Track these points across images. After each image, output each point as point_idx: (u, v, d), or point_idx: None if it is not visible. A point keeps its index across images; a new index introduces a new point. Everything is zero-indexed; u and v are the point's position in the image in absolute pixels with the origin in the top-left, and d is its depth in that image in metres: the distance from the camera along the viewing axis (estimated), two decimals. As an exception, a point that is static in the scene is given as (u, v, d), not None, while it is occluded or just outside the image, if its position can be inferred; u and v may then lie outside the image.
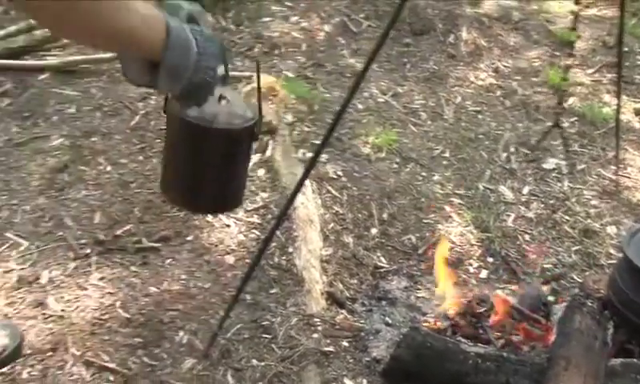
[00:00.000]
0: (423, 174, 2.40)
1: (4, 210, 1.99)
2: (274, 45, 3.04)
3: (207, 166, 1.08)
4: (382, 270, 2.00)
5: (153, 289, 1.83)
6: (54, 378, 1.58)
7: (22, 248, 1.88)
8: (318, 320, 1.81)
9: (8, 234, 1.91)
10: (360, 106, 2.65)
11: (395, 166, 2.43)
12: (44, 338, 1.68)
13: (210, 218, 2.09)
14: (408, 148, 2.51)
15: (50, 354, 1.63)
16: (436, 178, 2.38)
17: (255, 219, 2.10)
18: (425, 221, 2.20)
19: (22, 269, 1.76)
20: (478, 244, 2.12)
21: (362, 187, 2.29)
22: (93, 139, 2.34)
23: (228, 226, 2.06)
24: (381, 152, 2.47)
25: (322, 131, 2.48)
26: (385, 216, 2.19)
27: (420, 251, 2.09)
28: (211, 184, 1.11)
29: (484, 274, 2.02)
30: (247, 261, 1.95)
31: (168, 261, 1.92)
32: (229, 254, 1.98)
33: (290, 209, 1.57)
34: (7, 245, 1.89)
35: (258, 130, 1.12)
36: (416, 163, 2.44)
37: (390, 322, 1.84)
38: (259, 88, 1.13)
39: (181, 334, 1.72)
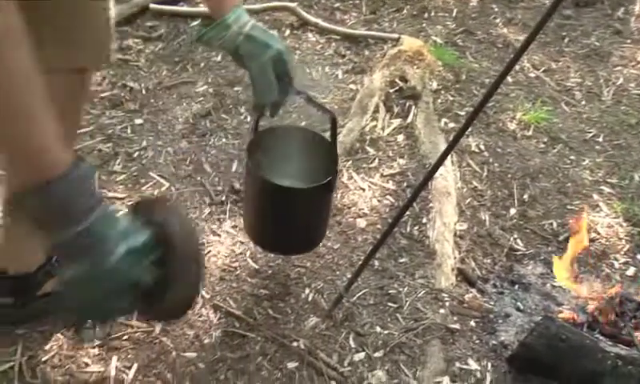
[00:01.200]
0: (572, 157, 2.24)
1: (150, 149, 2.07)
2: (423, 8, 2.94)
3: (277, 216, 1.34)
4: (517, 253, 1.90)
5: (283, 242, 1.83)
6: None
7: (163, 188, 1.94)
8: (446, 295, 1.75)
9: (152, 174, 1.98)
10: (509, 79, 2.50)
11: (542, 145, 2.28)
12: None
13: (345, 179, 2.05)
14: (558, 128, 2.35)
15: None
16: (586, 162, 2.22)
17: (390, 185, 2.06)
18: (569, 207, 2.06)
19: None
20: (627, 239, 1.97)
21: (504, 164, 2.17)
22: (235, 89, 2.38)
23: (363, 189, 2.03)
24: (528, 130, 2.32)
25: (466, 102, 2.38)
26: (525, 197, 2.07)
27: (561, 238, 1.95)
28: (281, 230, 1.41)
29: (631, 271, 1.87)
30: (378, 226, 1.92)
31: (299, 216, 1.91)
32: (360, 217, 1.95)
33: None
34: (151, 183, 1.96)
35: (333, 185, 1.35)
36: (565, 145, 2.27)
37: (521, 307, 1.74)
38: (334, 140, 1.38)
39: (306, 291, 1.70)
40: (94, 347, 1.55)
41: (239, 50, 1.12)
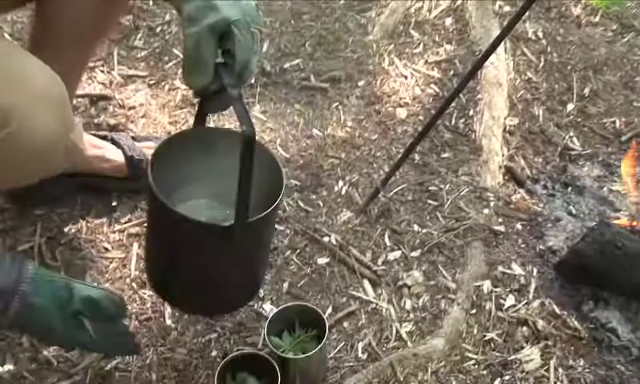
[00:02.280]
0: (643, 48, 2.04)
1: (173, 24, 1.98)
2: None
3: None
4: (572, 153, 1.77)
5: (316, 131, 1.76)
6: None
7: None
8: (491, 195, 1.66)
9: (175, 51, 1.89)
10: (575, -42, 2.26)
11: (610, 34, 2.08)
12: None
13: (386, 65, 1.90)
14: (630, 14, 2.14)
15: None
16: (658, 54, 2.02)
17: (435, 73, 1.91)
18: (636, 103, 1.89)
19: (186, 89, 1.71)
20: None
21: (564, 54, 2.00)
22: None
23: (405, 76, 1.90)
24: (594, 15, 2.12)
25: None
26: (586, 91, 1.91)
27: (623, 138, 1.80)
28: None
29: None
30: (420, 118, 1.81)
31: (335, 104, 1.82)
32: (401, 106, 1.83)
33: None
34: (174, 61, 1.86)
35: (270, 221, 0.99)
36: (637, 34, 2.06)
37: (573, 211, 1.63)
38: (245, 167, 0.82)
39: (340, 184, 1.67)
40: (114, 232, 1.53)
41: (182, 9, 0.84)
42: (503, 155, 1.76)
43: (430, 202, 1.65)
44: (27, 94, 0.83)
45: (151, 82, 1.85)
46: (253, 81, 1.87)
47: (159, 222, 0.94)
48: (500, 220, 1.63)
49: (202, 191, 1.03)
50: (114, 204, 1.56)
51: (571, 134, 1.85)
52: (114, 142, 1.40)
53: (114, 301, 0.90)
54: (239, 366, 1.18)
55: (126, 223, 1.55)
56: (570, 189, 1.73)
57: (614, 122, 1.89)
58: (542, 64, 2.00)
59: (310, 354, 1.25)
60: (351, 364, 1.37)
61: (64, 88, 0.90)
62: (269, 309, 1.40)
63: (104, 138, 1.53)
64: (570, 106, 1.91)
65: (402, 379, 1.32)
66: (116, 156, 1.39)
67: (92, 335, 0.89)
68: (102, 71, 1.84)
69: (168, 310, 1.39)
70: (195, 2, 0.82)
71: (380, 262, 1.53)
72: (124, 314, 0.89)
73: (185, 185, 0.98)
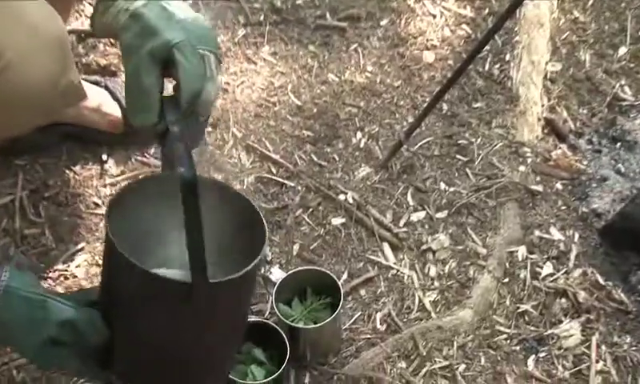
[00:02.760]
0: None
1: None
2: None
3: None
4: (623, 104, 1.73)
5: (332, 76, 1.72)
6: (211, 155, 1.56)
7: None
8: (528, 150, 1.63)
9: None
10: None
11: (669, -33, 1.99)
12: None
13: (411, 2, 1.84)
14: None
15: (210, 129, 1.61)
16: None
17: (467, 12, 1.86)
18: (699, 47, 1.82)
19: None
20: None
21: (616, -10, 1.92)
22: None
23: (433, 15, 1.85)
24: (651, -55, 2.02)
25: None
26: (641, 33, 1.83)
27: (683, 87, 1.74)
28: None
29: None
30: (450, 62, 1.76)
31: (353, 46, 1.78)
32: (428, 50, 1.79)
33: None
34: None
35: (250, 279, 0.85)
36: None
37: (622, 170, 1.60)
38: (191, 219, 0.72)
39: (358, 135, 1.63)
40: (105, 186, 1.51)
41: (119, 37, 0.79)
42: (543, 105, 1.72)
43: (458, 157, 1.63)
44: (23, 29, 0.82)
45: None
46: (262, 18, 1.82)
47: (115, 277, 0.85)
48: (538, 178, 1.60)
49: (173, 255, 0.89)
50: (104, 157, 1.54)
51: (622, 82, 1.79)
52: (107, 89, 1.35)
53: (93, 324, 0.86)
54: (245, 337, 1.15)
55: (118, 176, 1.53)
56: (618, 144, 1.69)
57: (671, 69, 1.82)
58: (590, 2, 1.93)
59: (323, 324, 1.24)
60: (368, 336, 1.36)
61: (62, 24, 0.88)
62: (277, 274, 1.39)
63: (96, 83, 1.49)
64: (622, 50, 1.85)
65: (424, 354, 1.31)
66: (113, 109, 1.35)
67: (67, 359, 0.86)
68: (91, 3, 1.78)
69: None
70: (133, 28, 0.77)
71: (402, 223, 1.51)
72: (104, 336, 0.86)
73: (150, 249, 0.88)
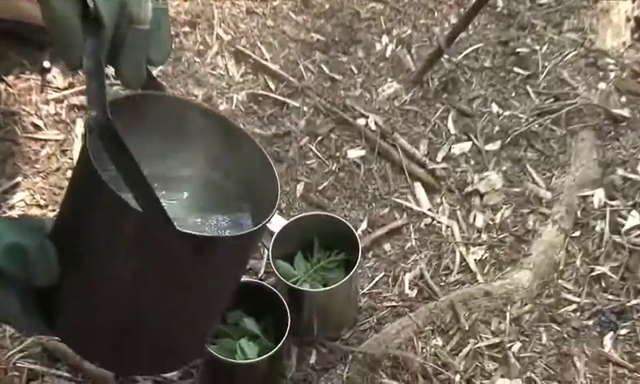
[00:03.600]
0: None
1: None
2: None
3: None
4: None
5: (350, -39, 1.67)
6: (190, 64, 1.55)
7: None
8: (611, 62, 1.58)
9: None
10: None
11: None
12: (180, 7, 1.63)
13: None
14: None
15: (188, 29, 1.61)
16: None
17: None
18: None
19: None
20: None
21: None
22: None
23: None
24: None
25: None
26: None
27: None
28: None
29: None
30: None
31: None
32: None
33: None
34: None
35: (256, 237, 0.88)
36: None
37: None
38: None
39: (384, 40, 1.62)
40: (47, 102, 1.49)
41: None
42: (634, 1, 1.68)
43: (517, 70, 1.60)
44: None
45: None
46: None
47: (89, 213, 0.84)
48: (623, 99, 1.56)
49: (171, 197, 0.93)
50: (46, 64, 1.52)
51: None
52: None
53: (46, 255, 0.83)
54: (233, 302, 1.13)
55: (65, 90, 1.51)
56: None
57: None
58: None
59: (334, 286, 1.21)
60: (393, 304, 1.34)
61: None
62: (276, 221, 1.33)
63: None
64: None
65: (466, 327, 1.28)
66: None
67: (7, 300, 0.83)
68: None
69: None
70: None
71: (440, 157, 1.49)
72: (54, 276, 0.83)
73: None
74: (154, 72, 0.97)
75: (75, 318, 0.86)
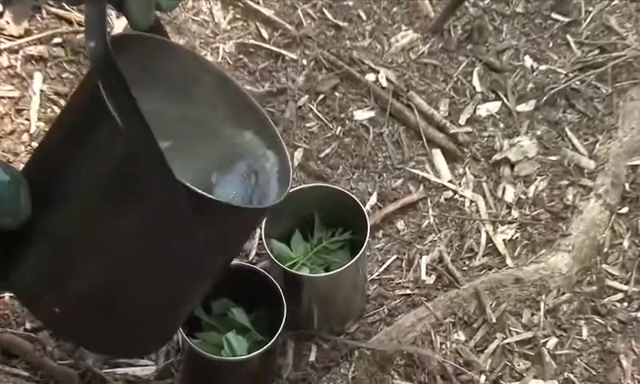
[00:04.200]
0: None
1: None
2: None
3: None
4: None
5: None
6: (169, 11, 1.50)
7: None
8: None
9: None
10: None
11: None
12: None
13: None
14: None
15: None
16: None
17: None
18: None
19: None
20: None
21: None
22: None
23: None
24: None
25: None
26: None
27: None
28: None
29: None
30: None
31: None
32: None
33: None
34: None
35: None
36: None
37: None
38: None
39: None
40: None
41: None
42: None
43: (555, 16, 1.60)
44: None
45: None
46: None
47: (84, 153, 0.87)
48: None
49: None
50: None
51: None
52: None
53: (18, 192, 0.85)
54: (218, 289, 1.13)
55: (20, 38, 1.50)
56: None
57: None
58: None
59: (338, 271, 1.21)
60: (408, 291, 1.34)
61: None
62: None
63: None
64: None
65: (493, 320, 1.28)
66: None
67: None
68: None
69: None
70: None
71: (463, 119, 1.49)
72: (23, 218, 0.84)
73: None
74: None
75: (40, 272, 0.87)
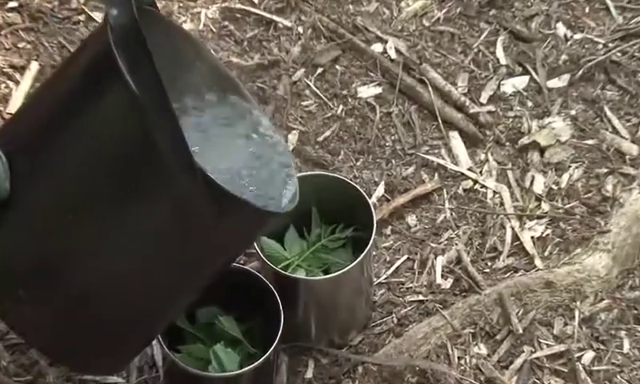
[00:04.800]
0: None
1: None
2: None
3: None
4: None
5: None
6: None
7: None
8: None
9: None
10: None
11: None
12: None
13: None
14: None
15: None
16: None
17: None
18: None
19: None
20: None
21: None
22: None
23: None
24: None
25: None
26: None
27: None
28: None
29: None
30: None
31: None
32: None
33: None
34: None
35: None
36: None
37: None
38: None
39: None
40: None
41: None
42: None
43: None
44: None
45: None
46: None
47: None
48: None
49: None
50: None
51: None
52: None
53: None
54: (205, 295, 1.13)
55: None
56: None
57: None
58: None
59: (340, 273, 1.20)
60: (420, 297, 1.34)
61: None
62: None
63: None
64: None
65: (520, 331, 1.28)
66: None
67: None
68: None
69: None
70: None
71: (485, 97, 1.49)
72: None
73: None
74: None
75: (18, 261, 0.90)
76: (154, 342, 1.18)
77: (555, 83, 1.50)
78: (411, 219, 1.40)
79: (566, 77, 1.50)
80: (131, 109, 0.82)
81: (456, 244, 1.38)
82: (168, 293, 0.96)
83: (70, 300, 0.91)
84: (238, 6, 1.55)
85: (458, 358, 1.27)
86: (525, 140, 1.45)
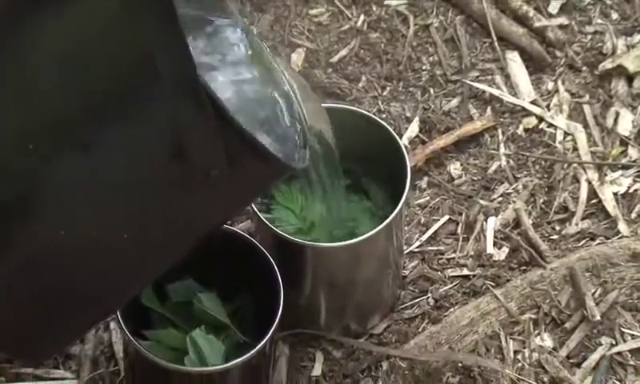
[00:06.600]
0: None
1: None
2: None
3: None
4: None
5: None
6: None
7: None
8: None
9: None
10: None
11: None
12: None
13: None
14: None
15: None
16: None
17: None
18: None
19: None
20: None
21: None
22: None
23: None
24: None
25: None
26: None
27: None
28: None
29: None
30: None
31: None
32: None
33: None
34: None
35: None
36: None
37: None
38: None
39: None
40: None
41: None
42: None
43: None
44: None
45: None
46: None
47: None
48: None
49: None
50: None
51: None
52: None
53: None
54: (179, 265, 1.14)
55: None
56: None
57: None
58: None
59: (359, 240, 1.23)
60: (465, 272, 1.37)
61: None
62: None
63: None
64: None
65: (597, 317, 1.30)
66: None
67: None
68: None
69: None
70: None
71: (554, 5, 1.54)
72: None
73: None
74: None
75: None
76: (113, 326, 1.22)
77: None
78: (454, 168, 1.43)
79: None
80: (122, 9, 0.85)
81: (514, 202, 1.40)
82: (140, 255, 0.99)
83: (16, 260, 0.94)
84: None
85: (515, 352, 1.29)
86: (607, 64, 1.47)
